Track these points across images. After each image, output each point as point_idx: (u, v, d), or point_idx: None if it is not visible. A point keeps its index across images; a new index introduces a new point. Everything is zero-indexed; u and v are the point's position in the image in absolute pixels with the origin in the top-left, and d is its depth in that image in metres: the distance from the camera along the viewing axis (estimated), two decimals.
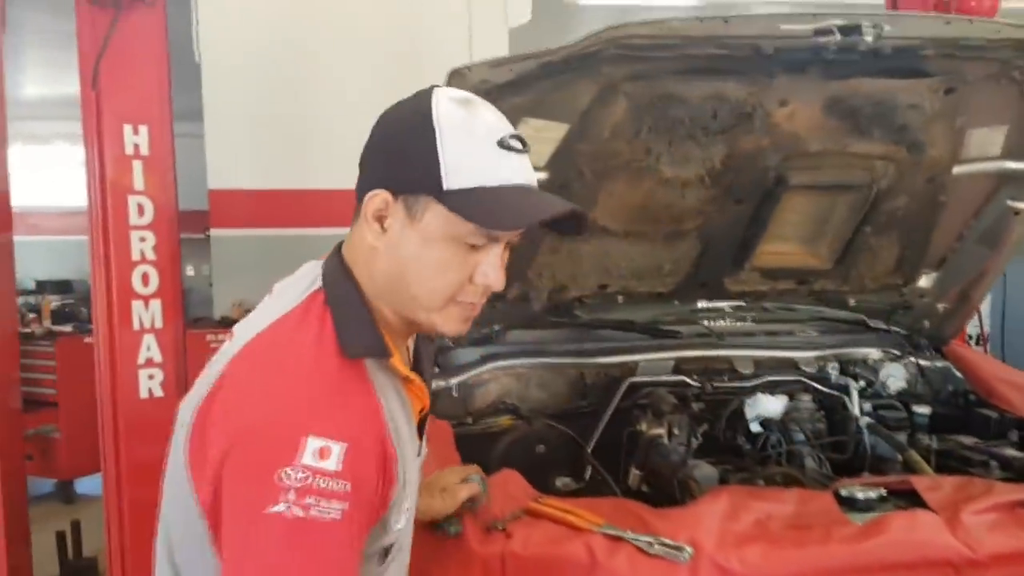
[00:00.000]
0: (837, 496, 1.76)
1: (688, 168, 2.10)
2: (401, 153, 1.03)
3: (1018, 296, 5.23)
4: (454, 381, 2.30)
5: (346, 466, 0.94)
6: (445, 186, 1.00)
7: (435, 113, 1.02)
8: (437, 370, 2.32)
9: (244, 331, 1.07)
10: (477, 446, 2.14)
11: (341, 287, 1.07)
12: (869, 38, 1.73)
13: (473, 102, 1.07)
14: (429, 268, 1.04)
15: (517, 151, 1.05)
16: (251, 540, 0.92)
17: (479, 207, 1.00)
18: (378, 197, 1.04)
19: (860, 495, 1.77)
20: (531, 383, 2.39)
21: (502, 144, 1.03)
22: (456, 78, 1.76)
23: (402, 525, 1.10)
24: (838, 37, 1.72)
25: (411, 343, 1.20)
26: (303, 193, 5.28)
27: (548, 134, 1.98)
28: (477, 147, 1.02)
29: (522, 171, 1.06)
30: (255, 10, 5.25)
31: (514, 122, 1.89)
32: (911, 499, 1.79)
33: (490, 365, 2.36)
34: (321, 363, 1.00)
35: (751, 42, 1.76)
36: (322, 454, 0.93)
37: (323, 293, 1.06)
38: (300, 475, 0.92)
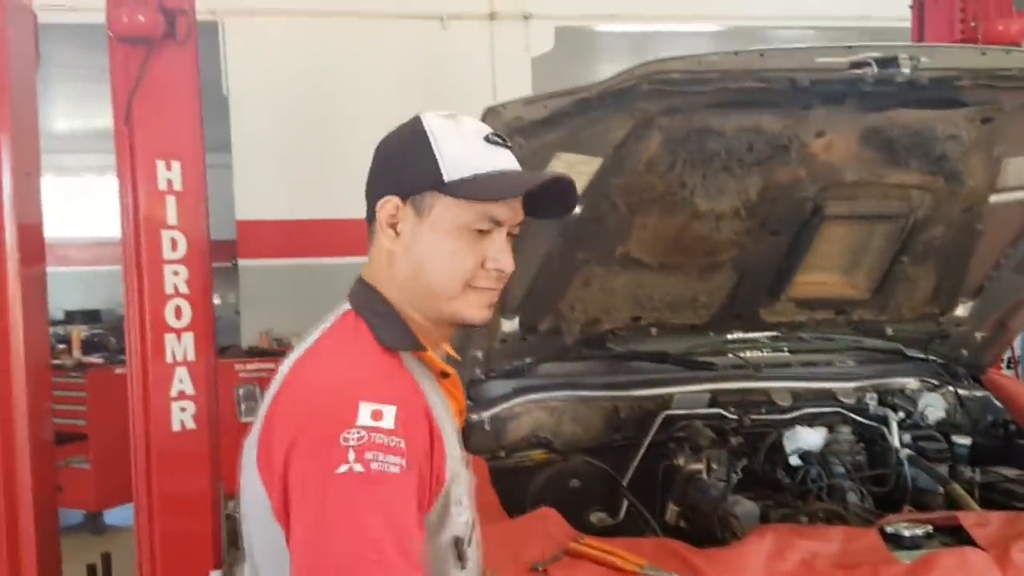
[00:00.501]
0: (883, 533, 1.73)
1: (723, 200, 2.09)
2: (402, 162, 1.15)
3: None
4: (487, 414, 2.29)
5: (399, 424, 1.01)
6: (446, 179, 1.11)
7: (427, 125, 1.15)
8: (470, 403, 2.31)
9: (288, 361, 1.15)
10: (511, 481, 2.12)
11: (367, 298, 1.16)
12: (906, 70, 1.72)
13: (456, 115, 1.20)
14: (442, 258, 1.13)
15: (503, 145, 1.16)
16: (327, 502, 0.98)
17: (480, 188, 1.11)
18: (389, 203, 1.14)
19: (906, 532, 1.74)
20: (564, 416, 2.38)
21: (488, 140, 1.15)
22: (491, 115, 1.77)
23: (466, 519, 1.15)
24: (875, 69, 1.71)
25: None
26: (329, 223, 5.32)
27: (582, 168, 1.98)
28: (468, 144, 1.14)
29: (511, 161, 1.17)
30: (281, 44, 5.34)
31: (547, 157, 1.92)
32: (958, 535, 1.75)
33: (523, 398, 2.34)
34: (363, 353, 1.10)
35: (787, 75, 1.76)
36: (375, 415, 1.01)
37: (352, 310, 1.16)
38: (358, 435, 0.99)
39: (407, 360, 1.13)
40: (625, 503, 2.13)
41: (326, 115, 5.34)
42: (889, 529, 1.74)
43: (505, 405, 2.33)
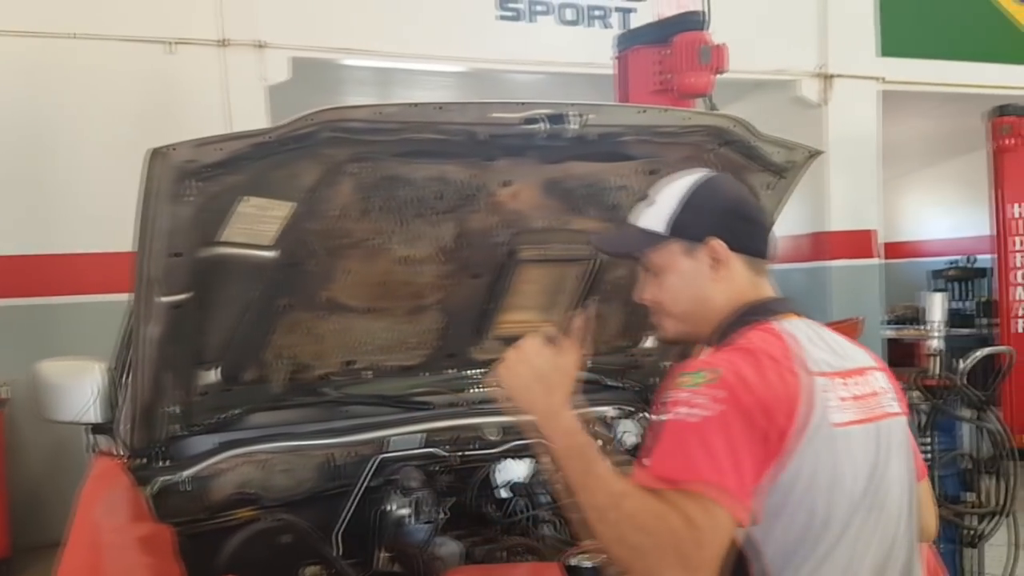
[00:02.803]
0: (567, 566, 1.81)
1: (421, 246, 2.11)
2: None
3: None
4: (186, 474, 2.14)
5: None
6: None
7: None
8: (167, 463, 2.15)
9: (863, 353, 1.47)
10: (211, 546, 1.99)
11: None
12: (574, 126, 1.82)
13: None
14: None
15: None
16: None
17: None
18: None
19: (587, 563, 1.83)
20: (275, 469, 2.27)
21: None
22: (158, 158, 1.66)
23: None
24: (546, 125, 1.80)
25: None
26: (47, 259, 4.81)
27: (273, 212, 1.93)
28: None
29: None
30: None
31: (231, 201, 1.84)
32: None
33: (228, 453, 2.21)
34: None
35: (465, 128, 1.81)
36: None
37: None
38: None
39: None
40: (339, 554, 2.08)
41: (43, 142, 4.85)
42: (572, 562, 1.82)
43: (208, 462, 2.18)
